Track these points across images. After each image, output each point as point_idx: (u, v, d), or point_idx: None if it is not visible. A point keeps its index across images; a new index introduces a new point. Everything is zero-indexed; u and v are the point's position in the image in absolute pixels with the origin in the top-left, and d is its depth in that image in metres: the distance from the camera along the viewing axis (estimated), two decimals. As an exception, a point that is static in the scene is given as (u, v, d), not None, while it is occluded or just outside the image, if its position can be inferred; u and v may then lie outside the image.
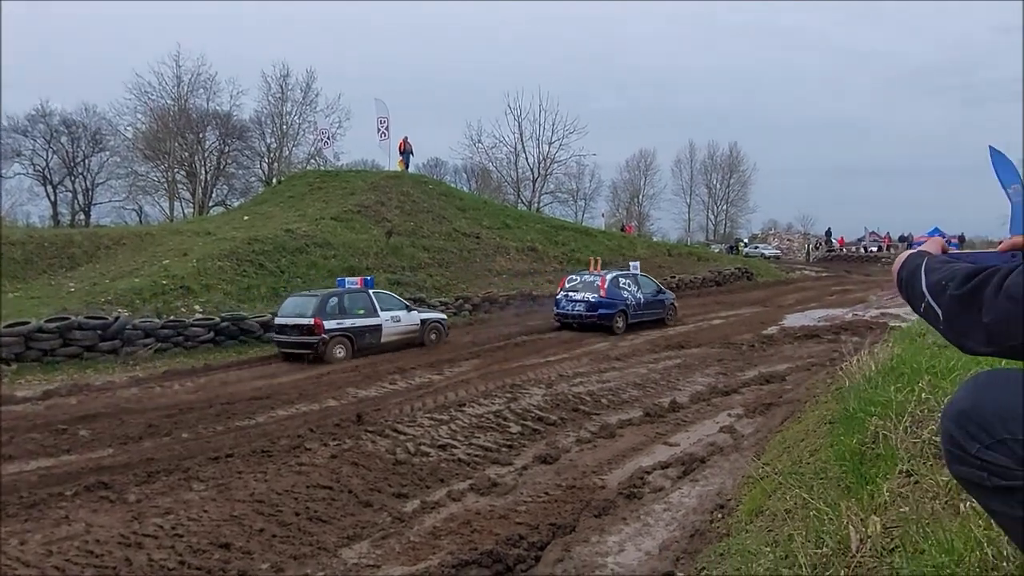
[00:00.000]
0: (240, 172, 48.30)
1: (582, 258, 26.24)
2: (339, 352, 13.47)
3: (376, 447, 7.67)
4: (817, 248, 53.33)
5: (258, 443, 7.75)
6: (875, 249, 51.14)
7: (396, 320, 14.63)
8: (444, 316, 16.46)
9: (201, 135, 44.84)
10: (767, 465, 5.39)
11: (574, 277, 18.56)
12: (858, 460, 3.62)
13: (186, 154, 44.25)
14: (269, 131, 47.44)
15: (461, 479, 6.80)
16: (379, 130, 30.01)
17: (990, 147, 12.87)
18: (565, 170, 52.17)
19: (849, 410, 4.64)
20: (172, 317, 14.50)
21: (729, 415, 9.14)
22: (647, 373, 11.92)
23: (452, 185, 38.53)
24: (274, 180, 39.28)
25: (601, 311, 17.15)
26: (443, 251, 22.93)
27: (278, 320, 13.92)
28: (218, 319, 14.77)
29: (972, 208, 69.81)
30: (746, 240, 55.68)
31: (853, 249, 52.25)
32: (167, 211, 44.44)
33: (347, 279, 15.67)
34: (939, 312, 1.15)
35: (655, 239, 44.11)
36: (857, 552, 2.62)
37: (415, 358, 13.38)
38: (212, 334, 14.55)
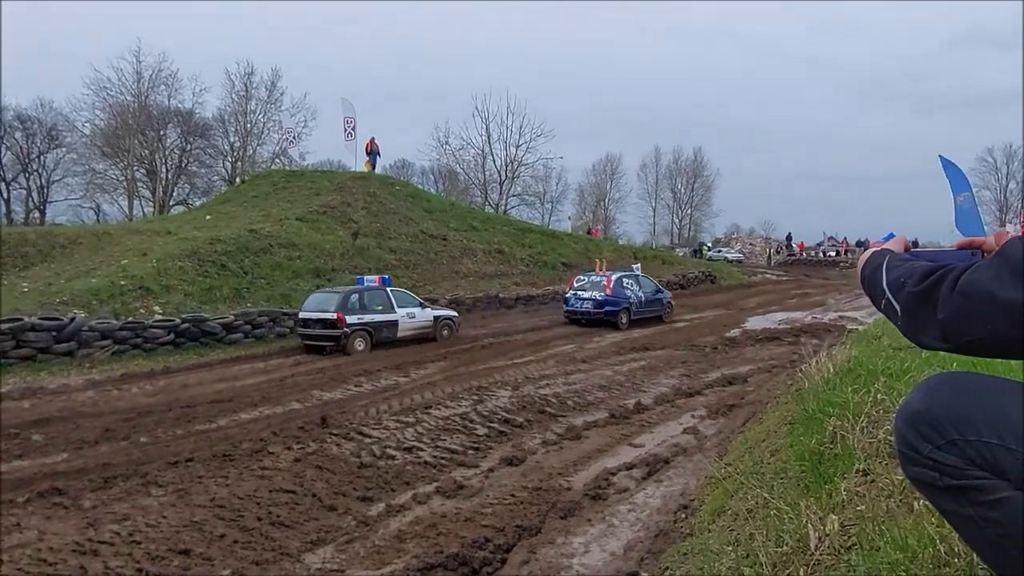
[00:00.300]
0: (202, 171, 47.42)
1: (549, 261, 26.35)
2: (359, 345, 14.40)
3: (341, 450, 7.60)
4: (778, 252, 54.33)
5: (219, 447, 7.62)
6: (833, 254, 52.37)
7: (411, 316, 15.53)
8: (455, 313, 17.21)
9: (162, 132, 43.89)
10: (729, 465, 5.48)
11: (582, 277, 20.08)
12: (817, 460, 3.71)
13: (146, 152, 43.25)
14: (233, 129, 46.70)
15: (427, 482, 6.78)
16: (345, 130, 29.74)
17: (941, 157, 13.31)
18: (532, 173, 52.36)
19: (808, 411, 4.74)
20: (130, 318, 14.16)
21: (693, 416, 9.26)
22: (612, 375, 12.01)
23: (419, 187, 38.32)
24: (238, 179, 38.70)
25: (607, 308, 18.64)
26: (410, 253, 22.81)
27: (302, 315, 14.69)
28: (178, 320, 14.47)
29: (924, 214, 72.02)
30: (710, 244, 56.54)
31: (812, 253, 53.36)
32: (126, 210, 43.42)
33: (365, 278, 16.44)
34: (898, 308, 1.17)
35: (621, 242, 44.51)
36: (816, 550, 2.68)
37: (381, 360, 13.29)
38: (172, 336, 14.24)
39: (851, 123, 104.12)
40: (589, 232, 43.63)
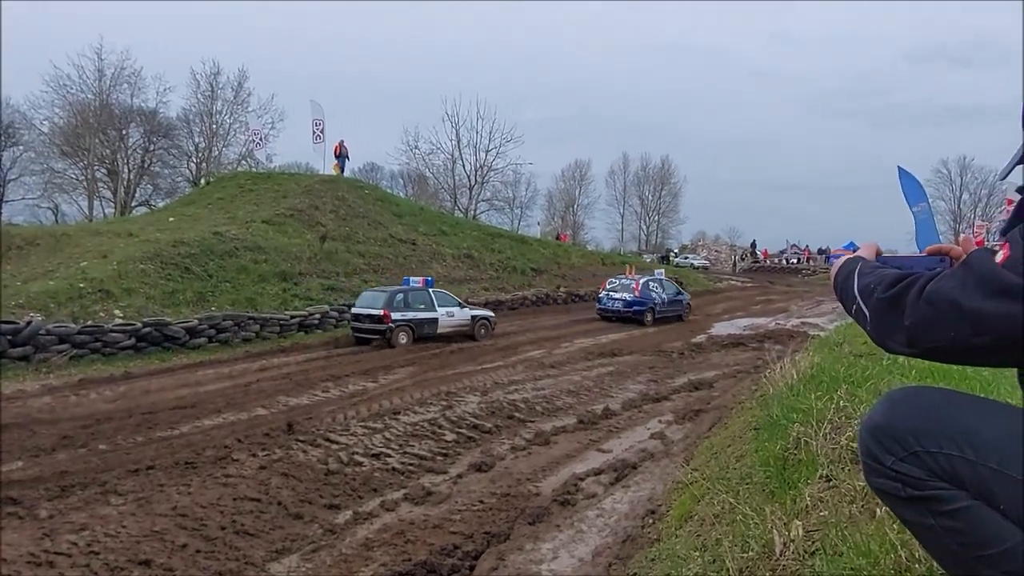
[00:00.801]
0: (166, 171, 46.44)
1: (518, 266, 26.40)
2: (403, 339, 15.85)
3: (307, 457, 7.50)
4: (743, 259, 55.20)
5: (182, 454, 7.46)
6: (796, 261, 53.49)
7: (451, 315, 16.97)
8: (492, 314, 18.50)
9: (124, 132, 42.91)
10: (696, 471, 5.54)
11: (614, 280, 22.92)
12: (781, 465, 3.77)
13: (107, 151, 42.27)
14: (198, 130, 45.89)
15: (395, 488, 6.73)
16: (314, 132, 29.45)
17: (899, 168, 13.69)
18: (502, 178, 52.52)
19: (773, 417, 4.82)
20: (90, 322, 13.79)
21: (660, 421, 9.35)
22: (581, 380, 12.07)
23: (388, 191, 38.10)
24: (202, 181, 38.02)
25: (635, 308, 21.37)
26: (378, 257, 22.65)
27: (354, 310, 16.42)
28: (140, 324, 14.14)
29: (882, 224, 73.92)
30: (676, 250, 57.19)
31: (776, 261, 54.36)
32: (86, 210, 42.32)
33: (411, 278, 18.00)
34: (867, 314, 1.20)
35: (589, 248, 44.77)
36: (781, 556, 2.72)
37: (350, 365, 13.16)
38: (133, 340, 13.91)
39: (813, 135, 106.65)
40: (558, 238, 43.82)
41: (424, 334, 16.27)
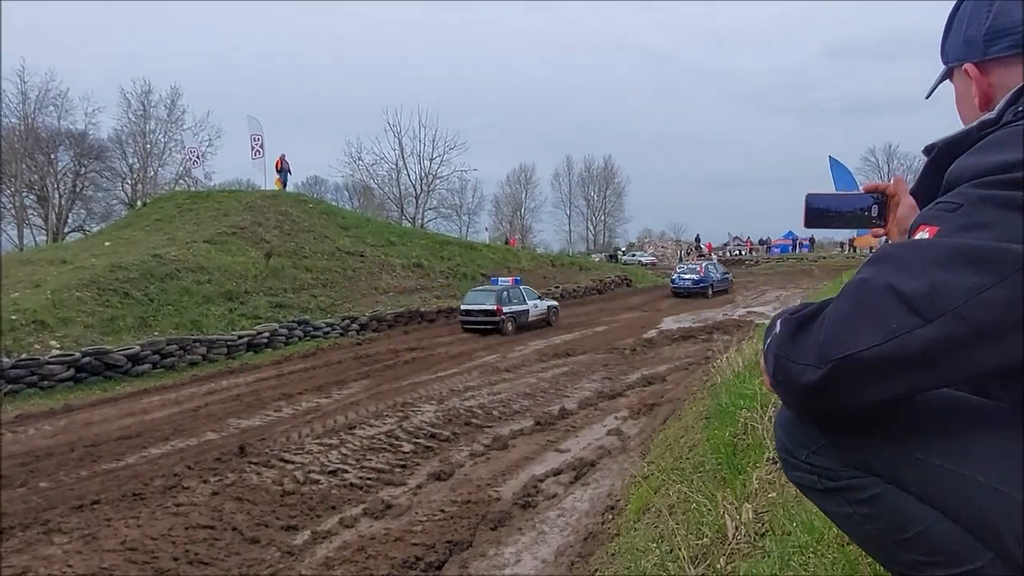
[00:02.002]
0: (99, 195, 44.96)
1: (468, 272, 26.34)
2: (510, 327, 19.24)
3: (261, 479, 7.33)
4: (688, 254, 56.27)
5: (129, 486, 7.20)
6: (739, 253, 54.87)
7: (536, 306, 20.72)
8: (557, 304, 22.49)
9: (53, 156, 41.38)
10: (652, 463, 5.63)
11: (682, 265, 32.40)
12: (731, 451, 3.86)
13: (36, 176, 40.64)
14: (131, 150, 44.56)
15: (354, 504, 6.63)
16: (253, 148, 28.87)
17: (830, 157, 14.23)
18: (447, 185, 52.44)
19: (721, 404, 4.93)
20: (24, 355, 13.19)
21: (616, 418, 9.45)
22: (536, 383, 12.12)
23: (333, 203, 37.52)
24: (139, 202, 36.75)
25: (701, 284, 28.63)
26: (326, 271, 22.29)
27: (464, 307, 19.89)
28: (78, 355, 13.59)
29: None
30: (624, 249, 57.95)
31: (720, 254, 55.62)
32: (15, 239, 40.54)
33: (499, 279, 21.80)
34: (771, 351, 1.01)
35: (538, 251, 44.96)
36: (733, 540, 2.79)
37: (302, 383, 12.91)
38: (72, 371, 13.36)
39: (747, 130, 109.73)
40: (507, 242, 43.95)
41: (521, 323, 19.80)
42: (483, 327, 19.14)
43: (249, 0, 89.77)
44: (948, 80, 1.20)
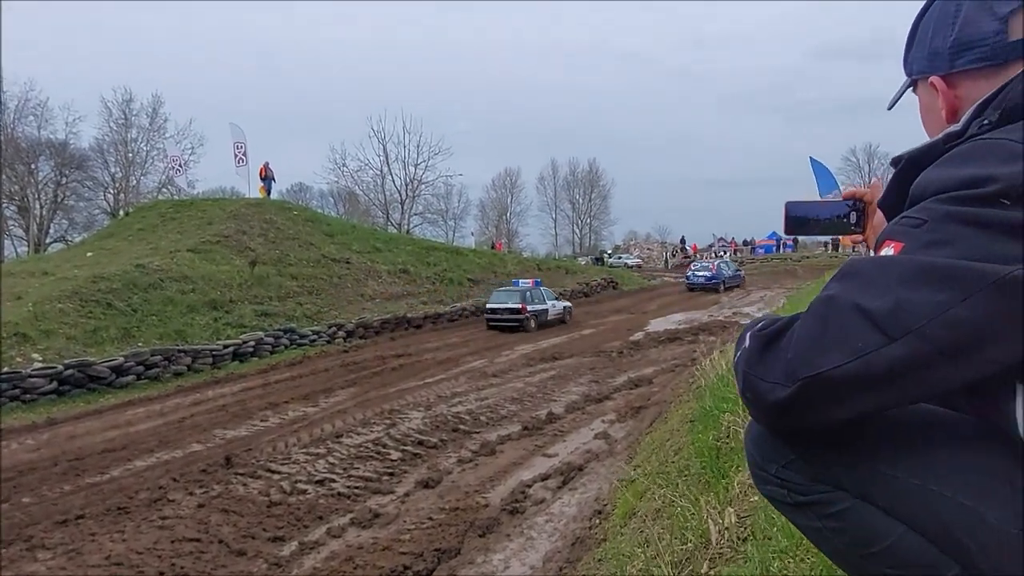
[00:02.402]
0: (81, 204, 44.53)
1: (455, 277, 26.33)
2: (532, 324, 20.77)
3: (248, 490, 7.29)
4: (674, 255, 56.56)
5: (113, 500, 7.13)
6: (724, 253, 55.13)
7: (554, 306, 22.40)
8: (571, 304, 24.40)
9: (33, 166, 40.90)
10: (638, 467, 5.66)
11: (696, 264, 35.59)
12: (715, 455, 3.89)
13: (16, 187, 40.16)
14: (113, 160, 44.20)
15: (341, 514, 6.61)
16: (236, 156, 28.72)
17: (811, 158, 14.39)
18: (433, 191, 52.41)
19: (706, 408, 4.97)
20: (6, 369, 13.04)
21: (603, 421, 9.49)
22: (523, 387, 12.13)
23: (318, 210, 37.43)
24: (121, 212, 36.46)
25: (713, 280, 31.20)
26: (312, 278, 22.19)
27: (490, 305, 21.50)
28: (61, 367, 13.44)
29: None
30: (610, 251, 58.15)
31: (705, 255, 55.95)
32: (-5, 250, 40.05)
33: (520, 280, 23.66)
34: (740, 367, 1.02)
35: (525, 255, 45.03)
36: (716, 544, 2.82)
37: (288, 391, 12.85)
38: (55, 384, 13.20)
39: (731, 132, 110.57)
40: (493, 246, 43.94)
41: (541, 321, 21.32)
42: (509, 324, 20.70)
43: (232, 1, 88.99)
44: (912, 91, 1.19)
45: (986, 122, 0.96)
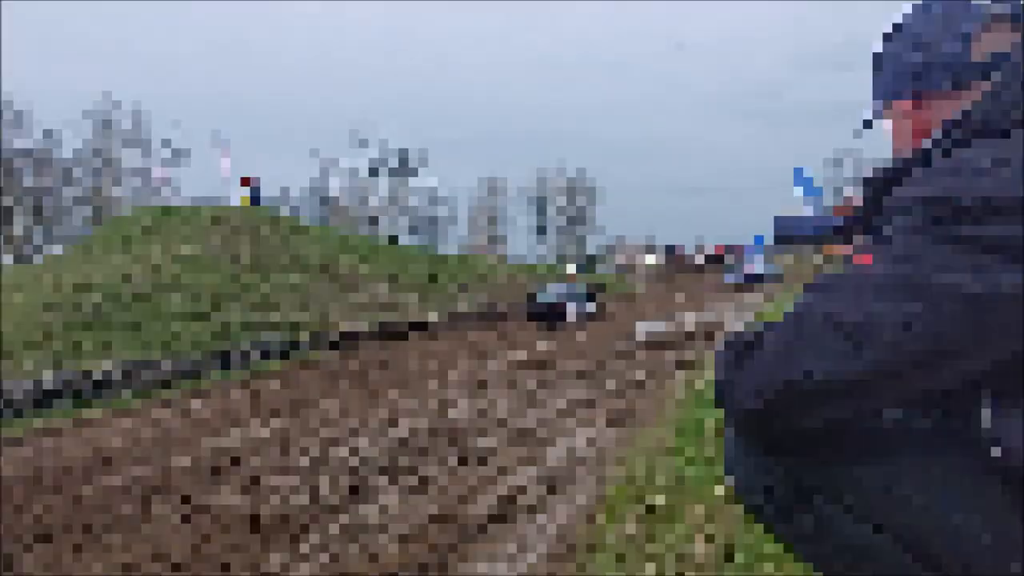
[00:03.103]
0: (62, 215, 44.02)
1: (442, 285, 26.32)
2: (572, 318, 23.15)
3: (234, 502, 7.19)
4: (660, 261, 56.81)
5: (94, 515, 7.02)
6: (703, 260, 55.56)
7: (589, 303, 25.05)
8: (602, 302, 27.11)
9: (13, 176, 40.46)
10: (628, 474, 5.64)
11: (730, 265, 42.32)
12: (703, 460, 3.88)
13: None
14: (95, 169, 43.73)
15: (329, 525, 6.53)
16: (220, 164, 28.59)
17: (795, 168, 14.61)
18: (419, 199, 52.35)
19: (693, 414, 4.96)
20: (-15, 382, 12.86)
21: (593, 427, 9.46)
22: (514, 393, 12.10)
23: (303, 218, 37.31)
24: (103, 222, 36.18)
25: (749, 279, 36.99)
26: (298, 287, 22.10)
27: (534, 300, 24.25)
28: (42, 379, 13.29)
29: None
30: (597, 257, 58.30)
31: (691, 260, 56.27)
32: (-27, 263, 39.58)
33: (550, 284, 26.52)
34: (720, 364, 1.05)
35: (512, 262, 45.08)
36: (703, 552, 2.80)
37: (276, 400, 12.74)
38: (35, 397, 13.06)
39: (713, 138, 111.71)
40: (480, 253, 43.94)
41: (579, 313, 23.71)
42: (550, 317, 22.96)
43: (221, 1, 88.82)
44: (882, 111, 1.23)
45: (953, 141, 1.01)
